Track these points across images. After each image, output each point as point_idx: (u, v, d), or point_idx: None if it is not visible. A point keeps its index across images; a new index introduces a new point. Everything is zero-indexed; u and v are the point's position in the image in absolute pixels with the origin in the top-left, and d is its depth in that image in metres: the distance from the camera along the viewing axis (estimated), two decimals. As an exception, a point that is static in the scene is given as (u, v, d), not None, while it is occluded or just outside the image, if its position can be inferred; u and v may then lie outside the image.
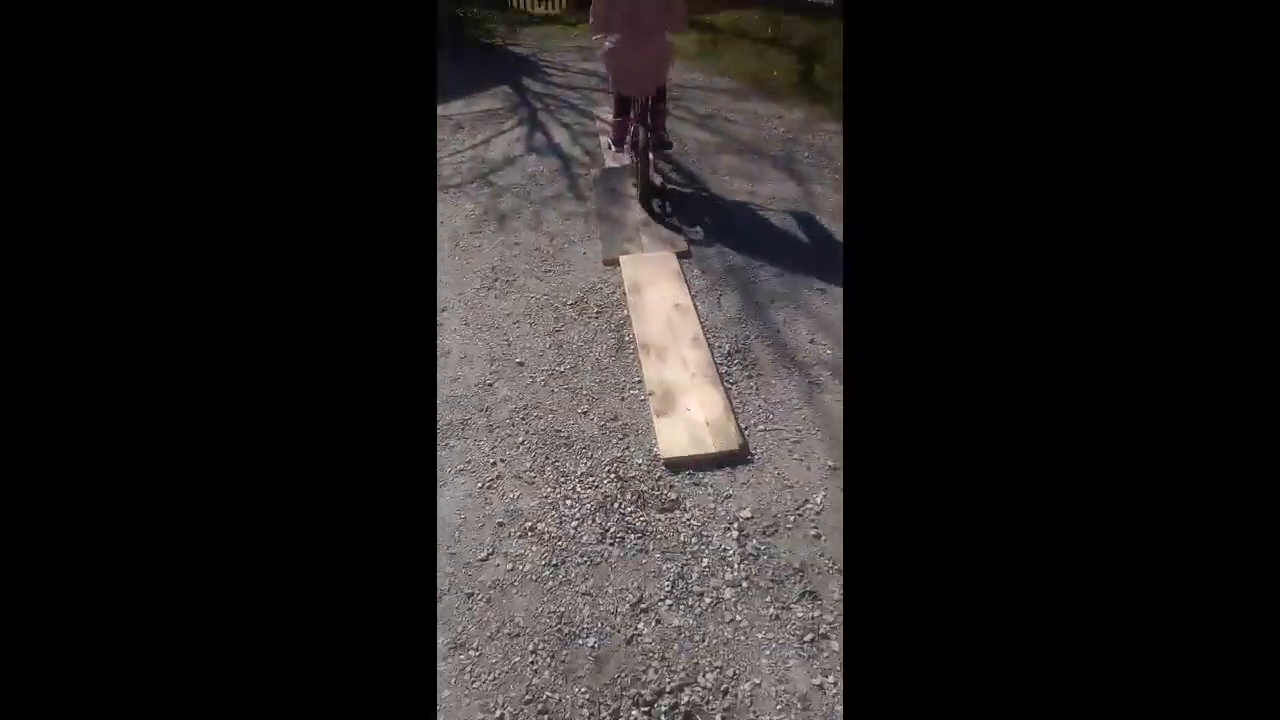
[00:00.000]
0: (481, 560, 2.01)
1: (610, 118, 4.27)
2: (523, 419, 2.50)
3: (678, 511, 2.10)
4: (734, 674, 1.68)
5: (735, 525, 2.04)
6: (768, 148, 4.44)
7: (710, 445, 2.29)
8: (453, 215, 3.94)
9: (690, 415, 2.42)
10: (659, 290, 3.12)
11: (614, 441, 2.37)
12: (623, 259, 3.39)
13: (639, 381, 2.63)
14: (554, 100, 5.55)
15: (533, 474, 2.28)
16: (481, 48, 7.29)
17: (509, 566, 1.98)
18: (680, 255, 3.41)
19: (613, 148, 4.32)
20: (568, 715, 1.63)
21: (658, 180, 4.02)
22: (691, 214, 3.75)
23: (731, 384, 2.58)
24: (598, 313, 3.05)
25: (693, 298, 3.06)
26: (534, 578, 1.95)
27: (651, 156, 3.82)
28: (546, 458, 2.33)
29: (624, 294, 3.14)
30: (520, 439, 2.41)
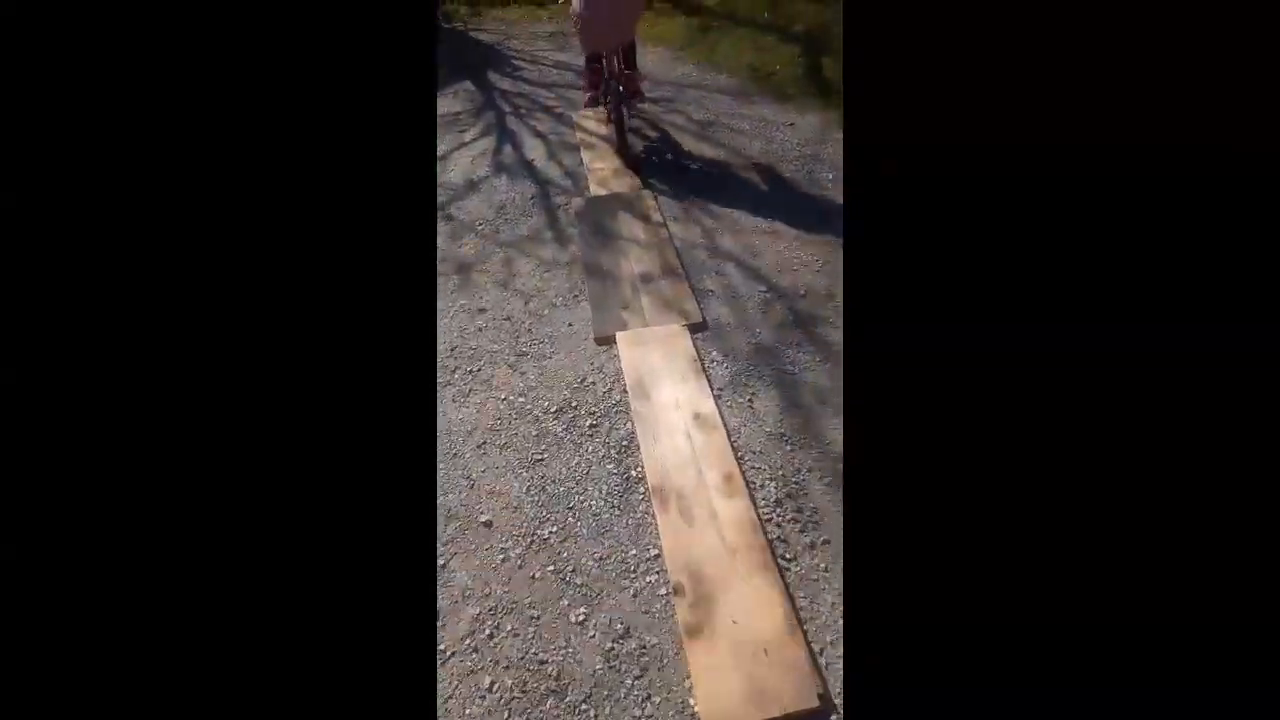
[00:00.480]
0: None
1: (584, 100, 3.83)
2: (490, 637, 1.62)
3: (738, 846, 1.27)
4: None
5: None
6: (783, 166, 3.51)
7: (778, 704, 1.43)
8: (402, 262, 2.98)
9: (737, 630, 1.57)
10: (671, 389, 2.24)
11: (628, 684, 1.51)
12: (620, 337, 2.48)
13: (656, 556, 1.76)
14: (525, 101, 4.53)
15: (507, 760, 1.42)
16: (439, 31, 6.17)
17: None
18: (693, 329, 2.52)
19: (588, 93, 3.81)
20: None
21: (639, 147, 3.73)
22: (702, 264, 2.85)
23: (789, 562, 1.73)
24: (591, 427, 2.16)
25: (716, 399, 2.19)
26: None
27: (626, 111, 3.56)
28: (527, 722, 1.48)
29: (624, 394, 2.26)
30: (487, 680, 1.54)
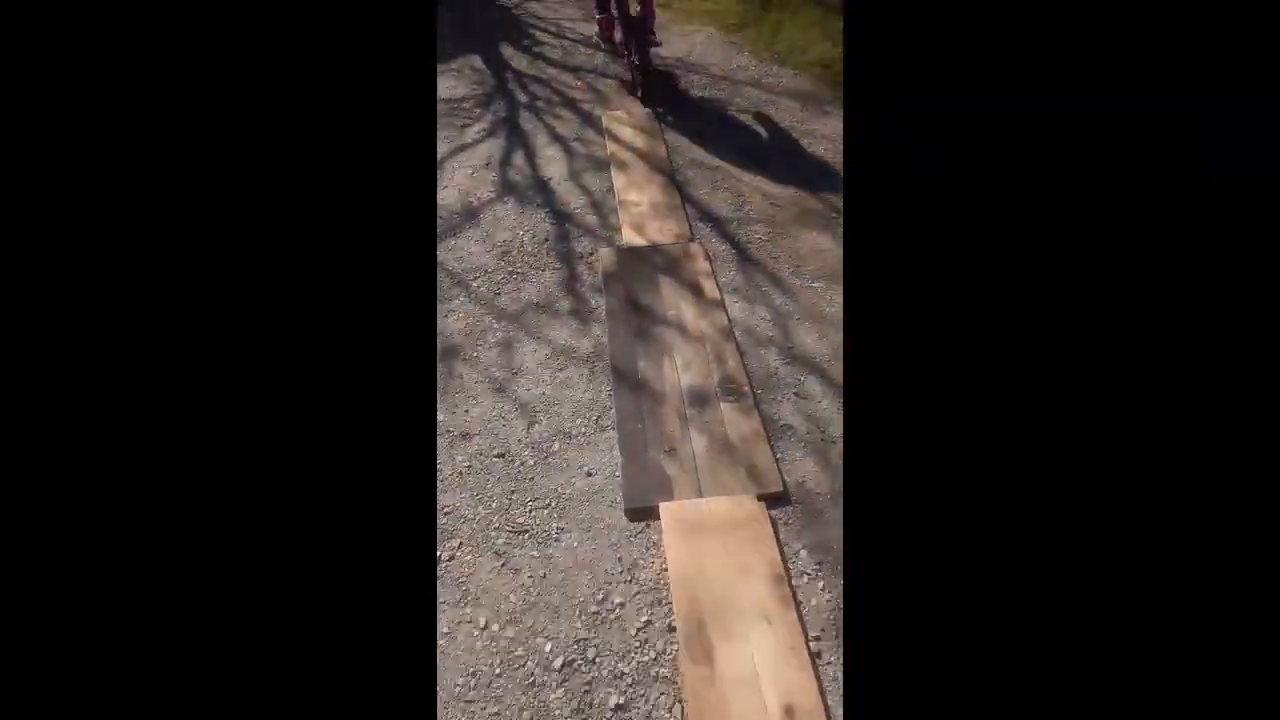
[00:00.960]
0: None
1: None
2: None
3: None
4: None
5: None
6: (875, 215, 2.56)
7: None
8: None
9: None
10: (747, 641, 1.36)
11: None
12: (665, 512, 1.59)
13: None
14: (545, 90, 3.49)
15: None
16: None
17: None
18: (770, 502, 1.64)
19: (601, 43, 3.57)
20: None
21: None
22: (775, 375, 1.93)
23: None
24: (617, 711, 1.30)
25: (814, 661, 1.33)
26: None
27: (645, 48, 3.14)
28: None
29: (669, 636, 1.39)
30: None
